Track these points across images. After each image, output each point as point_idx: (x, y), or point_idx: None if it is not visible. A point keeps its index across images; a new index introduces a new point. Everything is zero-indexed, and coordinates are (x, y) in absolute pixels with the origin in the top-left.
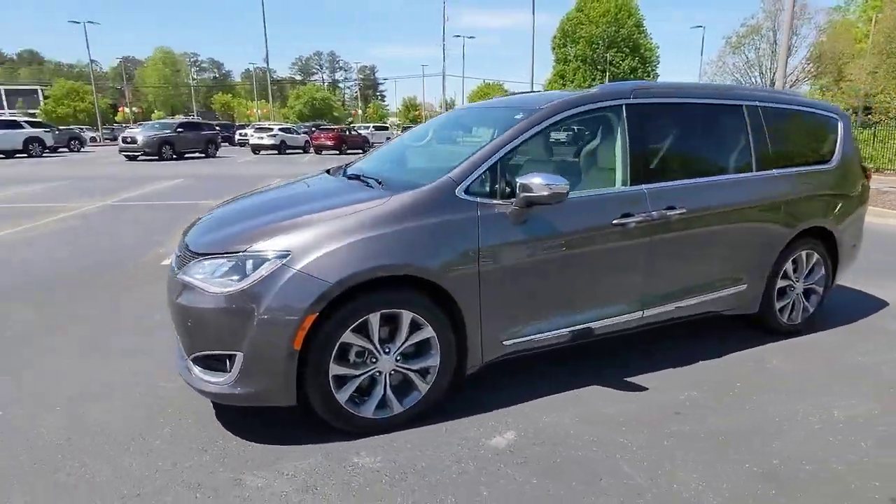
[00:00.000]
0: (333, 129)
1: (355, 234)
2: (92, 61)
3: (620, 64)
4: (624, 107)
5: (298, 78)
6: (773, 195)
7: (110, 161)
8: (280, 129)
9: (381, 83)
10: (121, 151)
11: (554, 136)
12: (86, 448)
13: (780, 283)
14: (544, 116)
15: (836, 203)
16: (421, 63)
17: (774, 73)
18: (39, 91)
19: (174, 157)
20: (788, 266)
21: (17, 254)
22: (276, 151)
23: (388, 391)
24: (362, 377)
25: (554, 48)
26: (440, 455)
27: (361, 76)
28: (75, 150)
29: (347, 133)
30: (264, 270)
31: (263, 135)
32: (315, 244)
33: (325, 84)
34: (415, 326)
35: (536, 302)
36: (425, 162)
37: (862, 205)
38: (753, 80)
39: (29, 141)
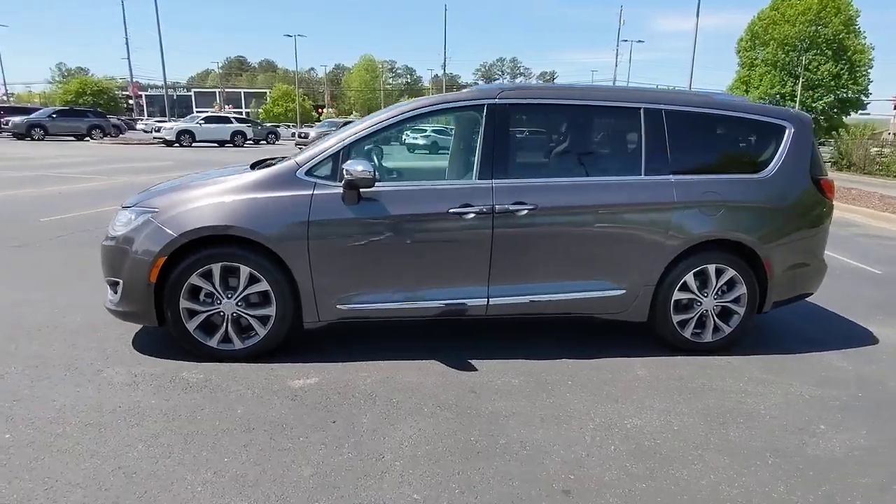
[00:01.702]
0: None
1: (203, 200)
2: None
3: (818, 69)
4: (486, 106)
5: (481, 83)
6: (660, 200)
7: (289, 152)
8: (433, 131)
9: None
10: (296, 145)
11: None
12: (40, 336)
13: (679, 296)
14: (398, 113)
15: (766, 217)
16: (591, 69)
17: None
18: (267, 93)
19: None
20: (689, 278)
21: None
22: (427, 151)
23: (230, 329)
24: (208, 314)
25: (739, 51)
26: (243, 381)
27: (541, 81)
28: (271, 142)
29: None
30: (139, 221)
31: (417, 135)
32: (174, 205)
33: None
34: (254, 279)
35: (369, 275)
36: None
37: (814, 224)
38: None
39: (235, 133)
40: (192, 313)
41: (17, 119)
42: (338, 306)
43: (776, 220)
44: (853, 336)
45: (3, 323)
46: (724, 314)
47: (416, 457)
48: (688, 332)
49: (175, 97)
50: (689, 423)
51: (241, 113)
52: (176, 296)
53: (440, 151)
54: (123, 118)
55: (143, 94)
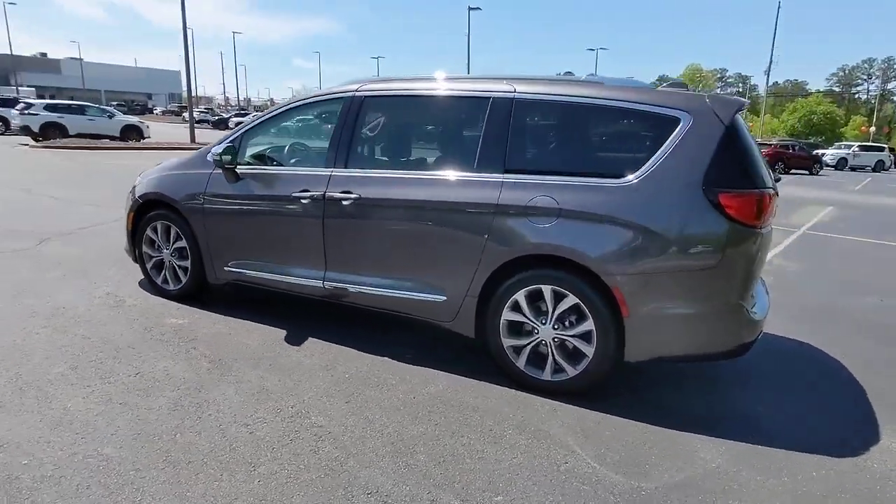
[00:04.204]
0: (770, 146)
1: (158, 173)
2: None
3: None
4: (344, 99)
5: (836, 90)
6: (481, 201)
7: None
8: None
9: None
10: None
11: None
12: (111, 264)
13: (512, 317)
14: (283, 106)
15: (621, 235)
16: None
17: None
18: None
19: None
20: (521, 297)
21: None
22: None
23: (168, 276)
24: (156, 259)
25: None
26: (146, 312)
27: None
28: None
29: (789, 150)
30: (134, 184)
31: None
32: (146, 175)
33: (872, 96)
34: (179, 237)
35: (244, 245)
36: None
37: (708, 256)
38: None
39: None
40: (149, 257)
41: None
42: (225, 268)
43: (637, 240)
44: (847, 434)
45: (105, 254)
46: (575, 352)
47: (128, 383)
48: (521, 363)
49: None
50: (352, 436)
51: None
52: (140, 241)
53: None
54: None
55: None
